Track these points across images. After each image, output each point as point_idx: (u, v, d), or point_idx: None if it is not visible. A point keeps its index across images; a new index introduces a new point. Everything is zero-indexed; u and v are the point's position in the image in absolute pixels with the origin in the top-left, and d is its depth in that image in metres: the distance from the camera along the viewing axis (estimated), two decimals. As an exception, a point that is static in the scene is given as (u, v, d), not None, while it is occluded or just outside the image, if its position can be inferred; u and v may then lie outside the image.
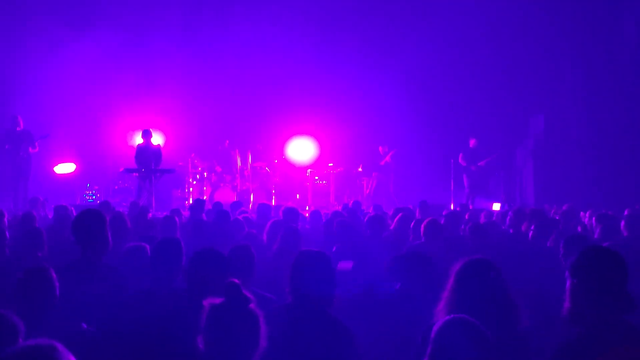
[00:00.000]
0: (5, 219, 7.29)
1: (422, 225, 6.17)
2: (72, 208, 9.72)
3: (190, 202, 13.57)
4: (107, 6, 15.41)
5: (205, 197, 13.93)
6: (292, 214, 7.48)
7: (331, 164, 15.55)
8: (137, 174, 12.95)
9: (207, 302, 2.66)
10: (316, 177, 15.48)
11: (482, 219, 8.58)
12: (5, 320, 2.75)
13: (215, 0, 16.19)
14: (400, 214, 7.06)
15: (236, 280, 2.68)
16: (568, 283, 2.83)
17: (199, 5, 16.12)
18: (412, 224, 6.52)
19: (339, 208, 10.91)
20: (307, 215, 9.63)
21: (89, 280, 3.93)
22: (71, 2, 15.33)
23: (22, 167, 12.39)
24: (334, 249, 6.00)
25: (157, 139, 13.82)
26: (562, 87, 15.09)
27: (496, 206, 13.41)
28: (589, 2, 14.23)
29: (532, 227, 6.17)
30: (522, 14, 14.87)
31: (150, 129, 13.36)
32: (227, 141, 14.86)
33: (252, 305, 2.64)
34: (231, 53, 15.90)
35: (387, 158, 15.00)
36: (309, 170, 15.37)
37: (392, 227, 6.92)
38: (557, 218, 7.92)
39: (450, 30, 15.52)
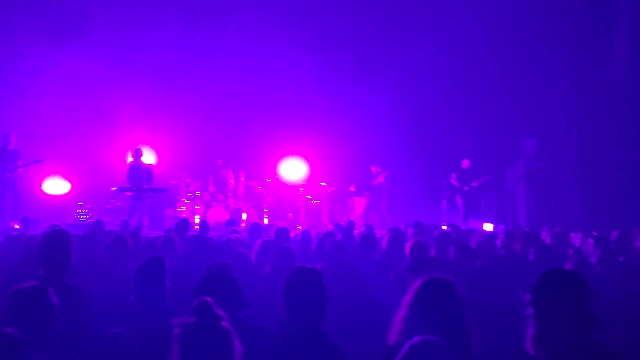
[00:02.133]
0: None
1: (408, 247, 6.13)
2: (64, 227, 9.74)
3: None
4: (101, 24, 15.43)
5: (198, 216, 13.95)
6: (283, 234, 7.49)
7: (323, 184, 15.58)
8: (129, 193, 12.96)
9: (177, 321, 2.65)
10: (308, 197, 15.49)
11: (475, 240, 8.59)
12: (10, 337, 2.77)
13: (208, 21, 16.24)
14: (389, 235, 7.06)
15: (207, 299, 2.68)
16: (531, 310, 2.75)
17: (192, 25, 16.17)
18: (409, 244, 6.47)
19: (331, 227, 10.93)
20: (298, 234, 9.62)
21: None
22: (66, 20, 15.34)
23: (9, 186, 12.32)
24: (318, 266, 6.03)
25: (148, 158, 13.85)
26: (555, 109, 15.17)
27: (488, 227, 13.45)
28: (581, 24, 14.36)
29: (533, 251, 6.17)
30: (515, 36, 14.99)
31: (141, 148, 13.38)
32: (220, 160, 14.88)
33: (224, 323, 2.64)
34: (223, 73, 15.94)
35: (380, 178, 15.02)
36: (301, 189, 15.39)
37: (383, 248, 6.93)
38: (547, 241, 7.96)
39: (443, 51, 15.67)
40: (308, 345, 3.27)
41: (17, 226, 11.59)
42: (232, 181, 14.56)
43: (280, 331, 3.35)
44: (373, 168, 15.19)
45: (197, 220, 13.81)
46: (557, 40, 14.70)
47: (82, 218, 14.42)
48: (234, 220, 11.44)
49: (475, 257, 6.22)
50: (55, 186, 14.72)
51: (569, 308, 2.67)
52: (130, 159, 13.33)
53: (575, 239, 8.74)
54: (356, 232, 10.15)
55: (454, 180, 14.47)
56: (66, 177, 14.89)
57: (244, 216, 14.21)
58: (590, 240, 7.65)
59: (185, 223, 8.91)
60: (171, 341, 2.63)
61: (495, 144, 15.69)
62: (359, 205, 15.42)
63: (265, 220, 14.27)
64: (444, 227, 11.67)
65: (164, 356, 2.65)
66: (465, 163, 14.57)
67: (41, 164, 13.04)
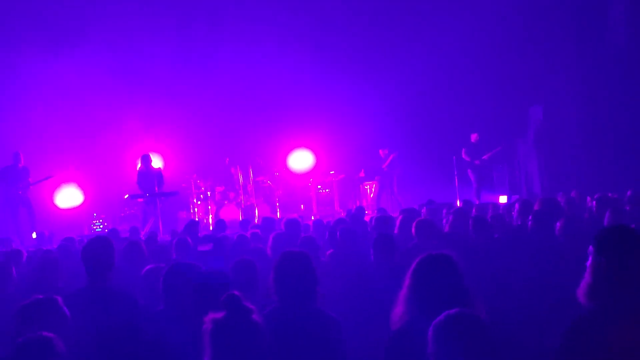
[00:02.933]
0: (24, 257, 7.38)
1: (413, 225, 6.10)
2: (81, 239, 9.79)
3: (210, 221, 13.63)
4: (103, 31, 15.45)
5: (210, 216, 13.98)
6: (294, 225, 7.50)
7: (332, 172, 15.54)
8: (142, 200, 13.00)
9: (208, 318, 2.65)
10: (319, 186, 15.47)
11: (490, 213, 8.54)
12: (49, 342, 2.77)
13: (211, 18, 16.21)
14: (402, 216, 7.02)
15: (236, 292, 2.68)
16: (590, 259, 2.82)
17: (195, 22, 16.14)
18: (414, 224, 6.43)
19: (344, 215, 10.91)
20: (310, 224, 9.60)
21: (97, 305, 4.00)
22: (69, 30, 15.36)
23: (24, 203, 12.40)
24: (328, 253, 6.04)
25: (157, 163, 13.88)
26: (559, 75, 15.04)
27: (503, 199, 13.38)
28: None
29: (530, 217, 6.10)
30: (518, 7, 14.85)
31: (149, 154, 13.42)
32: (227, 159, 14.87)
33: (254, 316, 2.63)
34: (225, 69, 15.94)
35: (388, 161, 14.95)
36: (310, 179, 15.38)
37: (395, 230, 6.88)
38: (562, 205, 7.89)
39: (446, 26, 15.54)
40: (304, 323, 3.32)
41: (34, 235, 11.69)
42: (241, 178, 14.55)
43: (275, 315, 3.34)
44: (381, 151, 15.12)
45: (210, 220, 13.85)
46: (560, 8, 14.56)
47: (98, 228, 14.48)
48: (248, 220, 11.48)
49: (491, 230, 6.17)
50: (68, 199, 14.77)
51: (632, 265, 2.74)
52: (139, 166, 13.36)
53: (591, 202, 8.67)
54: (368, 217, 10.14)
55: (464, 155, 14.39)
56: (78, 189, 14.93)
57: (257, 212, 14.21)
58: (593, 202, 7.62)
59: (194, 225, 8.91)
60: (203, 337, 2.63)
61: (502, 115, 15.59)
62: (370, 190, 15.37)
63: (278, 214, 14.27)
64: (458, 203, 11.63)
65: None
66: (474, 137, 14.49)
67: (51, 179, 13.08)
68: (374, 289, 4.56)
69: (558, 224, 6.23)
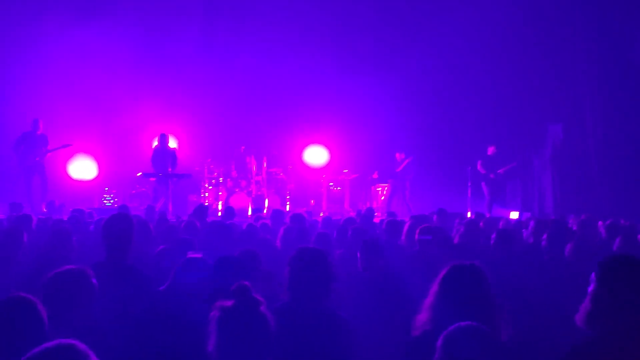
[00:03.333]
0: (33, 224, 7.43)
1: (417, 232, 6.05)
2: (91, 212, 9.85)
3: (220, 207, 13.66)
4: (133, 7, 15.59)
5: (220, 202, 14.00)
6: (299, 220, 7.51)
7: (346, 170, 15.53)
8: (154, 179, 13.05)
9: (217, 305, 2.65)
10: (331, 184, 15.47)
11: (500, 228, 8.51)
12: (33, 307, 2.81)
13: (236, 11, 16.28)
14: (411, 222, 7.01)
15: (246, 283, 2.68)
16: (591, 287, 2.81)
17: (218, 12, 16.22)
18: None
19: (353, 214, 10.89)
20: (319, 220, 9.61)
21: (115, 281, 4.01)
22: (95, 2, 15.48)
23: (38, 170, 12.48)
24: (338, 252, 6.03)
25: (173, 143, 13.94)
26: (580, 95, 14.98)
27: (514, 214, 13.32)
28: (605, 9, 14.13)
29: (545, 236, 6.08)
30: (541, 22, 14.80)
31: (167, 133, 13.46)
32: (243, 147, 14.89)
33: (262, 308, 2.64)
34: (247, 61, 16.04)
35: (403, 165, 14.90)
36: (323, 175, 15.38)
37: (403, 236, 6.85)
38: (574, 228, 7.85)
39: (468, 37, 15.52)
40: (314, 321, 3.30)
41: (43, 208, 11.75)
42: (254, 168, 14.57)
43: (285, 311, 3.33)
44: (398, 155, 15.08)
45: (219, 206, 13.88)
46: (582, 25, 14.49)
47: (108, 203, 14.54)
48: (259, 208, 11.49)
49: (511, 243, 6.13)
50: (82, 171, 14.84)
51: (631, 291, 2.74)
52: (155, 144, 13.41)
53: (603, 227, 8.62)
54: (377, 219, 10.13)
55: (479, 167, 14.34)
56: (93, 162, 15.00)
57: (266, 202, 14.23)
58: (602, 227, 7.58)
59: (203, 209, 8.93)
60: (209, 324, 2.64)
61: (521, 131, 15.54)
62: (382, 192, 15.34)
63: (287, 207, 14.28)
64: (469, 215, 11.59)
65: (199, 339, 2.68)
66: (491, 150, 14.43)
67: (69, 148, 13.12)
68: (384, 291, 4.55)
69: (569, 246, 6.22)
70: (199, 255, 3.80)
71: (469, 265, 3.18)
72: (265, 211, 13.15)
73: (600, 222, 9.04)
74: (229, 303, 2.63)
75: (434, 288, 3.16)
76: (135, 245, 6.10)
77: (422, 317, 3.14)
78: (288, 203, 14.63)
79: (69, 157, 14.65)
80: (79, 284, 3.39)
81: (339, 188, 15.55)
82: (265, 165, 14.68)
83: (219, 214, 13.12)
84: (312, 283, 3.40)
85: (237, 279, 2.97)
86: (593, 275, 2.84)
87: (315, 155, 16.07)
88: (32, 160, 12.36)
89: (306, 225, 7.60)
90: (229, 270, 3.61)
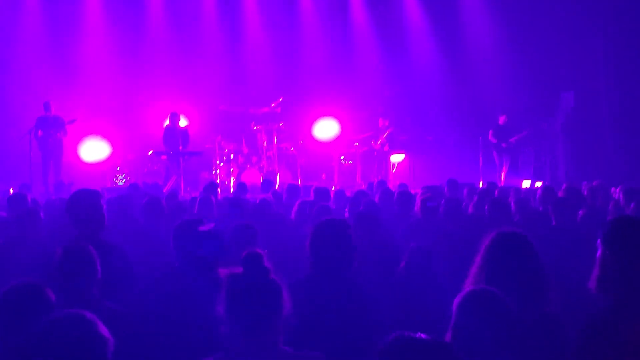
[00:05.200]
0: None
1: (418, 203, 5.99)
2: (103, 191, 9.89)
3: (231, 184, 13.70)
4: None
5: (232, 179, 14.03)
6: (323, 194, 7.48)
7: (357, 144, 15.47)
8: (165, 157, 13.10)
9: (224, 271, 2.66)
10: (342, 157, 15.43)
11: (512, 196, 8.49)
12: (40, 291, 2.84)
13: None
14: (421, 192, 6.97)
15: (258, 250, 2.68)
16: (599, 252, 2.79)
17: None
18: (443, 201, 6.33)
19: (365, 187, 10.88)
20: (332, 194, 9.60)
21: None
22: None
23: (53, 152, 12.59)
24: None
25: (183, 122, 13.96)
26: (592, 62, 14.81)
27: (526, 183, 13.27)
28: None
29: (559, 201, 6.04)
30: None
31: (178, 112, 13.47)
32: (253, 122, 14.88)
33: (272, 276, 2.64)
34: (255, 34, 16.03)
35: (385, 136, 14.78)
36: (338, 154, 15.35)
37: (416, 207, 6.81)
38: (584, 194, 7.81)
39: (478, 4, 15.38)
40: (336, 292, 3.28)
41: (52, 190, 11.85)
42: (265, 143, 14.56)
43: (308, 282, 3.33)
44: (381, 120, 14.89)
45: (231, 182, 13.91)
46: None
47: (120, 182, 14.61)
48: (271, 181, 11.48)
49: (511, 213, 6.12)
50: (94, 152, 14.88)
51: (637, 252, 2.70)
52: (167, 123, 13.44)
53: (615, 193, 8.58)
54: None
55: (491, 137, 14.26)
56: (105, 143, 15.04)
57: (278, 178, 14.23)
58: (620, 193, 7.53)
59: (213, 186, 8.94)
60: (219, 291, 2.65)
61: (533, 99, 15.40)
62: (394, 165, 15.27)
63: (299, 182, 14.28)
64: (481, 184, 11.56)
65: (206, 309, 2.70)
66: (502, 119, 14.33)
67: (79, 127, 13.13)
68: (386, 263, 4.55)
69: (580, 212, 6.20)
70: (210, 226, 3.78)
71: (516, 232, 3.14)
72: (277, 186, 13.16)
73: (613, 188, 9.01)
74: (238, 270, 2.64)
75: (480, 257, 3.10)
76: (144, 222, 6.18)
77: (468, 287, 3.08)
78: (299, 178, 14.63)
79: (80, 139, 14.68)
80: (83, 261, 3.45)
81: (350, 162, 15.52)
82: (275, 140, 14.66)
83: (231, 190, 13.15)
84: (334, 255, 3.36)
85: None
86: (599, 240, 2.81)
87: (326, 129, 15.99)
88: (45, 140, 12.46)
89: (329, 200, 7.53)
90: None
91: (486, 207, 6.13)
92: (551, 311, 3.05)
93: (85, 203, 4.24)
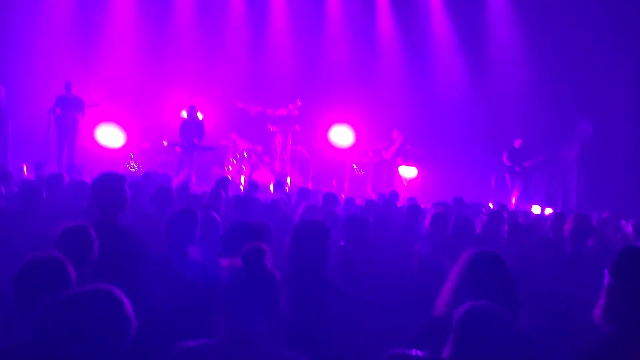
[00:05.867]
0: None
1: (429, 217, 5.94)
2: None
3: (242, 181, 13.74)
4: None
5: (243, 177, 14.06)
6: (331, 199, 7.48)
7: (370, 154, 15.47)
8: (179, 149, 13.16)
9: (225, 262, 2.68)
10: (354, 165, 15.44)
11: (523, 221, 8.45)
12: (61, 264, 2.88)
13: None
14: (432, 208, 6.97)
15: (260, 244, 2.69)
16: (606, 281, 2.80)
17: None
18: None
19: (375, 197, 10.86)
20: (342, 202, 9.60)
21: (106, 242, 3.90)
22: None
23: (69, 131, 12.68)
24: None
25: (201, 115, 14.01)
26: (611, 91, 14.77)
27: (536, 209, 13.22)
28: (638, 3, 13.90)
29: (569, 229, 6.02)
30: (572, 16, 14.56)
31: (196, 105, 13.53)
32: (269, 123, 14.92)
33: (270, 269, 2.65)
34: (279, 34, 16.14)
35: (395, 148, 14.77)
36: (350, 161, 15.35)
37: (427, 222, 6.79)
38: (594, 225, 7.77)
39: (498, 28, 15.43)
40: (315, 292, 3.36)
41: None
42: (279, 144, 14.58)
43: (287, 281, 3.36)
44: (395, 133, 14.90)
45: (242, 180, 13.94)
46: (614, 20, 14.23)
47: (133, 169, 14.66)
48: (282, 182, 11.50)
49: (525, 236, 6.10)
50: (110, 138, 14.96)
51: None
52: (184, 115, 13.50)
53: (627, 226, 8.52)
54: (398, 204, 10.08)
55: (505, 159, 14.23)
56: (121, 130, 15.12)
57: (289, 180, 14.25)
58: (629, 227, 7.49)
59: (225, 182, 8.95)
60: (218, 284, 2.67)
61: (549, 125, 15.37)
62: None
63: (310, 186, 14.28)
64: (491, 206, 11.53)
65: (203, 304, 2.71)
66: (518, 143, 14.30)
67: (99, 111, 13.21)
68: (404, 275, 4.56)
69: (590, 242, 6.17)
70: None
71: (492, 252, 3.25)
72: (287, 189, 13.18)
73: (623, 221, 8.95)
74: (238, 263, 2.66)
75: (455, 272, 3.22)
76: (153, 211, 6.21)
77: (443, 299, 3.20)
78: (310, 182, 14.63)
79: (97, 123, 14.77)
80: (80, 240, 3.50)
81: (362, 171, 15.51)
82: (290, 143, 14.69)
83: (241, 187, 13.19)
84: (310, 255, 3.47)
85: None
86: (606, 270, 2.82)
87: (341, 135, 16.00)
88: (66, 121, 12.56)
89: (337, 207, 7.52)
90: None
91: (505, 229, 6.15)
92: (523, 329, 3.06)
93: (111, 187, 4.22)
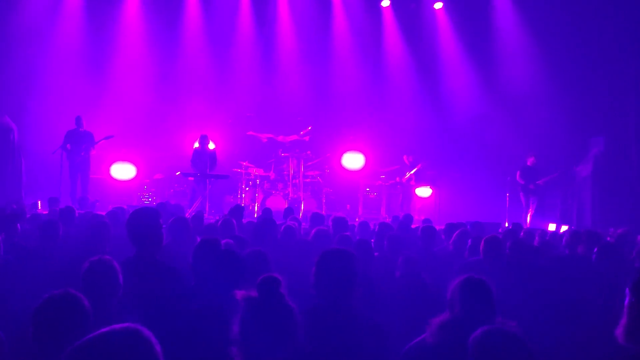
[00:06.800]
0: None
1: (482, 242, 5.89)
2: (130, 208, 10.01)
3: (255, 208, 13.77)
4: (171, 13, 15.95)
5: (256, 204, 14.10)
6: (341, 223, 7.49)
7: (383, 176, 15.50)
8: (192, 178, 13.24)
9: (241, 294, 2.68)
10: (367, 189, 15.45)
11: (537, 239, 8.40)
12: (77, 300, 2.90)
13: (273, 17, 16.53)
14: (458, 231, 6.94)
15: (274, 275, 2.69)
16: (627, 300, 2.77)
17: (257, 20, 16.50)
18: (470, 241, 6.30)
19: (389, 220, 10.84)
20: (356, 225, 9.59)
21: (145, 277, 4.02)
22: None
23: (81, 166, 12.79)
24: (376, 254, 5.99)
25: (212, 144, 14.12)
26: (624, 108, 14.72)
27: (552, 226, 13.14)
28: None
29: (595, 250, 5.98)
30: (584, 33, 14.60)
31: (207, 134, 13.64)
32: (280, 149, 15.00)
33: (287, 300, 2.65)
34: (289, 62, 16.28)
35: (413, 172, 14.77)
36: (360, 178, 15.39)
37: (450, 242, 6.77)
38: (609, 240, 7.71)
39: (508, 45, 15.47)
40: (343, 321, 3.30)
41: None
42: (291, 170, 14.64)
43: (314, 310, 3.33)
44: (406, 157, 14.92)
45: (256, 207, 13.97)
46: (626, 37, 14.24)
47: (147, 201, 14.76)
48: (292, 209, 11.50)
49: (536, 256, 6.06)
50: (123, 171, 15.10)
51: None
52: (196, 145, 13.61)
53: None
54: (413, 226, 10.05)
55: (518, 178, 14.19)
56: (133, 162, 15.26)
57: (302, 206, 14.27)
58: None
59: (239, 209, 8.98)
60: (232, 314, 2.66)
61: (562, 142, 15.34)
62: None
63: (323, 211, 14.27)
64: (507, 225, 11.47)
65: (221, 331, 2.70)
66: (531, 160, 14.27)
67: (109, 140, 13.33)
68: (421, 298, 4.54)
69: (605, 258, 6.10)
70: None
71: (478, 279, 3.33)
72: (300, 215, 13.19)
73: (639, 236, 8.88)
74: (253, 294, 2.66)
75: (450, 298, 3.32)
76: (170, 242, 6.23)
77: (436, 324, 3.28)
78: (324, 206, 14.63)
79: (109, 156, 14.90)
80: (104, 275, 3.52)
81: (375, 194, 15.51)
82: (302, 168, 14.74)
83: (255, 215, 13.22)
84: (337, 283, 3.40)
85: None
86: (627, 289, 2.80)
87: (353, 160, 16.06)
88: (78, 156, 12.68)
89: (347, 229, 7.53)
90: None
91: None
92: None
93: (147, 222, 4.26)
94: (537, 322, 4.16)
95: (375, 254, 6.22)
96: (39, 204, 12.20)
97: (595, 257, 5.91)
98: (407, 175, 14.77)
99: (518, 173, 14.23)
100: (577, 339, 4.11)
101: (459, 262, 5.88)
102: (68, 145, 12.65)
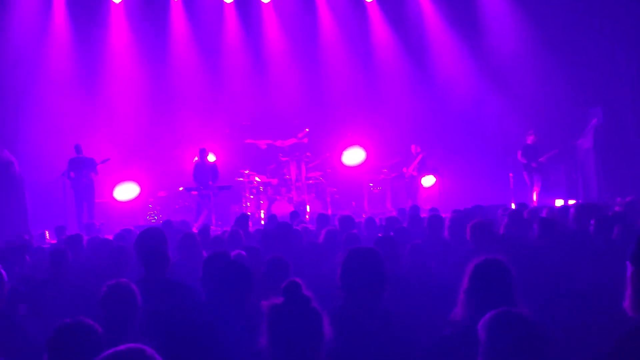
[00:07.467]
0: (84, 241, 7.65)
1: (468, 228, 5.81)
2: (137, 230, 10.02)
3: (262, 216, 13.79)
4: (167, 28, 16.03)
5: (262, 211, 14.11)
6: (347, 222, 7.49)
7: (386, 170, 15.48)
8: (196, 192, 13.27)
9: (265, 303, 2.69)
10: (371, 184, 15.44)
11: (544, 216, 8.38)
12: (90, 328, 2.91)
13: (267, 21, 16.55)
14: (451, 216, 6.93)
15: (297, 279, 2.70)
16: (629, 271, 2.72)
17: (254, 26, 16.53)
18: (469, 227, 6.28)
19: (395, 213, 10.83)
20: (362, 221, 9.59)
21: (157, 296, 4.05)
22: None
23: (86, 192, 12.84)
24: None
25: (212, 157, 14.14)
26: (619, 77, 14.67)
27: (559, 202, 13.11)
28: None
29: (592, 222, 5.97)
30: (580, 3, 14.54)
31: (206, 147, 13.66)
32: (280, 154, 15.00)
33: (313, 304, 2.66)
34: (279, 66, 16.30)
35: (416, 163, 14.78)
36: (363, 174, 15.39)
37: (445, 230, 6.74)
38: (617, 210, 7.69)
39: (498, 20, 15.47)
40: (371, 322, 3.29)
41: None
42: (293, 174, 14.63)
43: (341, 311, 3.33)
44: (413, 147, 14.92)
45: (262, 214, 13.99)
46: (622, 5, 14.19)
47: (153, 220, 14.77)
48: (297, 212, 11.52)
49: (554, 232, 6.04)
50: (126, 192, 15.11)
51: None
52: (196, 159, 13.64)
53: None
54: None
55: (520, 157, 14.16)
56: (135, 182, 15.27)
57: (308, 208, 14.27)
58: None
59: (245, 218, 9.00)
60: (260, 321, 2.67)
61: (560, 116, 15.31)
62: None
63: (329, 211, 14.28)
64: (513, 206, 11.45)
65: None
66: (531, 138, 14.23)
67: (108, 163, 13.35)
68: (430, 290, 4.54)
69: (615, 228, 6.10)
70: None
71: (493, 259, 3.28)
72: (307, 217, 13.20)
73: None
74: (279, 300, 2.67)
75: (464, 284, 3.28)
76: (179, 259, 6.24)
77: (458, 311, 3.25)
78: (330, 207, 14.63)
79: (111, 179, 14.92)
80: (123, 299, 3.50)
81: (379, 188, 15.50)
82: (304, 171, 14.73)
83: (262, 222, 13.23)
84: (366, 283, 3.37)
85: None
86: (628, 261, 2.73)
87: (353, 157, 16.03)
88: (82, 183, 12.73)
89: (354, 227, 7.53)
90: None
91: (535, 227, 6.12)
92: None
93: (153, 242, 4.37)
94: (547, 301, 4.17)
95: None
96: (47, 233, 12.22)
97: (592, 229, 5.90)
98: (411, 167, 14.78)
99: (519, 152, 14.19)
100: (587, 317, 4.09)
101: (462, 250, 5.84)
102: (72, 174, 12.72)
